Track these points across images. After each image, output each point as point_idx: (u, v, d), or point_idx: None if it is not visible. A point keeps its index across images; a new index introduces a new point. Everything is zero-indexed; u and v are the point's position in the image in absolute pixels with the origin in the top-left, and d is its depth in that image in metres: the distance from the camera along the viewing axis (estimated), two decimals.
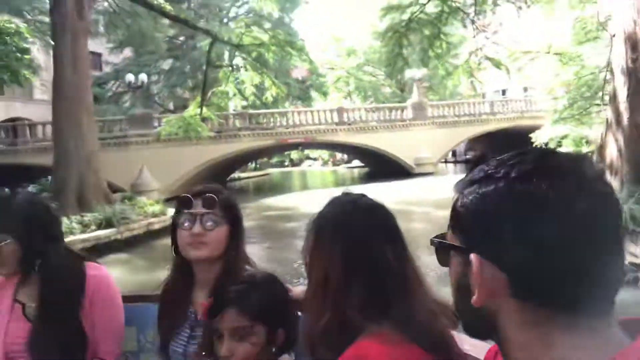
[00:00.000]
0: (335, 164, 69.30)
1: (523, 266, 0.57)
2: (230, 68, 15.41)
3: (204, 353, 1.32)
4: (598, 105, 18.32)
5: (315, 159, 74.41)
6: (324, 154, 66.54)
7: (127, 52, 41.53)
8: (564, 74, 23.31)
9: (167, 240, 1.64)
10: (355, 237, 1.05)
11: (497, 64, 12.19)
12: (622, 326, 0.60)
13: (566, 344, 0.57)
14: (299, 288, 1.45)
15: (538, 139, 24.88)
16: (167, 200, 26.29)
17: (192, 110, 15.90)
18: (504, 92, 44.13)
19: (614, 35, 7.41)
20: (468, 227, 0.63)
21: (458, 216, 0.65)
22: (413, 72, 30.78)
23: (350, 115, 29.85)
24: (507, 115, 32.80)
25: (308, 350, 1.09)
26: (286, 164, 78.66)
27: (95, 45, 44.74)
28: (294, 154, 70.88)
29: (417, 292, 1.04)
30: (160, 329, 1.61)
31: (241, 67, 16.67)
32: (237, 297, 1.27)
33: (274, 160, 72.88)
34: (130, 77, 24.74)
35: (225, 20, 30.09)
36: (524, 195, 0.57)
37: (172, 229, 1.58)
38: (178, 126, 16.68)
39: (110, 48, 40.31)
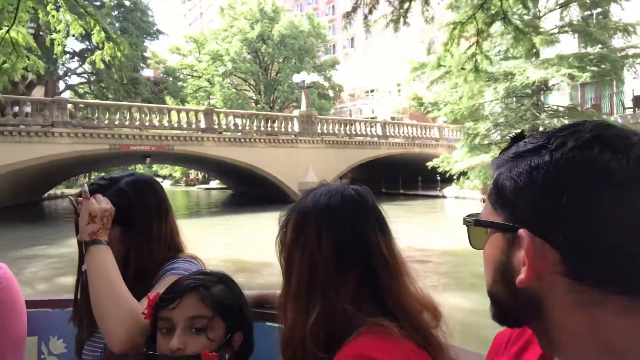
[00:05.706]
0: (188, 183, 61.02)
1: (579, 242, 0.53)
2: None
3: (144, 349, 1.15)
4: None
5: (165, 177, 64.61)
6: (176, 170, 57.56)
7: None
8: (486, 94, 20.12)
9: None
10: (348, 226, 0.97)
11: None
12: None
13: (619, 328, 0.54)
14: (252, 293, 1.40)
15: (453, 168, 21.15)
16: None
17: None
18: (372, 119, 41.01)
19: None
20: (515, 202, 0.58)
21: (502, 191, 0.60)
22: (302, 77, 25.07)
23: (222, 121, 22.66)
24: (398, 140, 28.82)
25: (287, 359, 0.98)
26: None
27: None
28: (140, 169, 60.42)
29: (406, 284, 0.99)
30: (78, 329, 1.40)
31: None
32: (199, 285, 1.16)
33: (114, 174, 61.48)
34: None
35: None
36: (584, 165, 0.53)
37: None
38: None
39: None
